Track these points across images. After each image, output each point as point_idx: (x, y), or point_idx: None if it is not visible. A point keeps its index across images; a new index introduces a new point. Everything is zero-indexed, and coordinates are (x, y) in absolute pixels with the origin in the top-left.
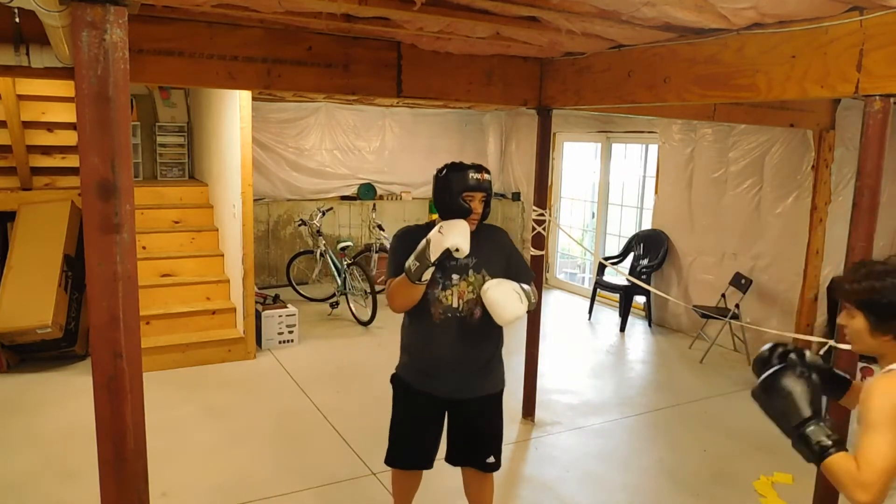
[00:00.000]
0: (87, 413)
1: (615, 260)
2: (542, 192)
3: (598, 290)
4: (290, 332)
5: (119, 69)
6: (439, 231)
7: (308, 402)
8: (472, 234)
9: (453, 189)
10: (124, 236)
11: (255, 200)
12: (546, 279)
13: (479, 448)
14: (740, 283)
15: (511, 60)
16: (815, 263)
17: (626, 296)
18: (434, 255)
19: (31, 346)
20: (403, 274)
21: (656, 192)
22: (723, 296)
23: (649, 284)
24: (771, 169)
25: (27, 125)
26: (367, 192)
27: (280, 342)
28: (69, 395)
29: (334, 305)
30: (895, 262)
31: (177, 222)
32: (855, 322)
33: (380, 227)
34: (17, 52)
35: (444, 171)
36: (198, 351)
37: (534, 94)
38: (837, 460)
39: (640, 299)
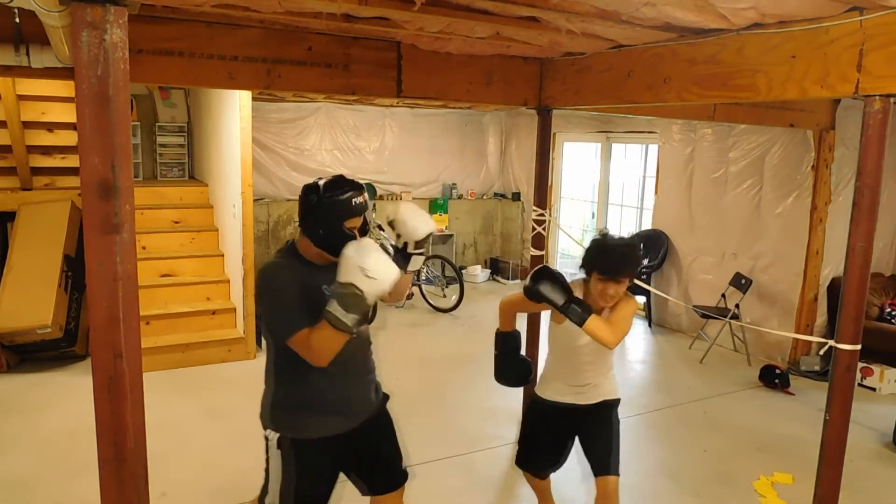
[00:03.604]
0: (88, 413)
1: None
2: (542, 192)
3: None
4: None
5: (119, 69)
6: (366, 275)
7: None
8: None
9: (337, 216)
10: (124, 236)
11: (255, 200)
12: None
13: (398, 459)
14: (740, 283)
15: (511, 60)
16: (815, 263)
17: None
18: (372, 300)
19: (31, 346)
20: (325, 324)
21: (656, 192)
22: (723, 296)
23: (649, 284)
24: (771, 169)
25: (27, 125)
26: (366, 192)
27: None
28: (69, 395)
29: None
30: (631, 240)
31: (177, 222)
32: (625, 284)
33: (380, 228)
34: (17, 52)
35: (321, 196)
36: (198, 351)
37: (534, 94)
38: (595, 319)
39: (639, 299)
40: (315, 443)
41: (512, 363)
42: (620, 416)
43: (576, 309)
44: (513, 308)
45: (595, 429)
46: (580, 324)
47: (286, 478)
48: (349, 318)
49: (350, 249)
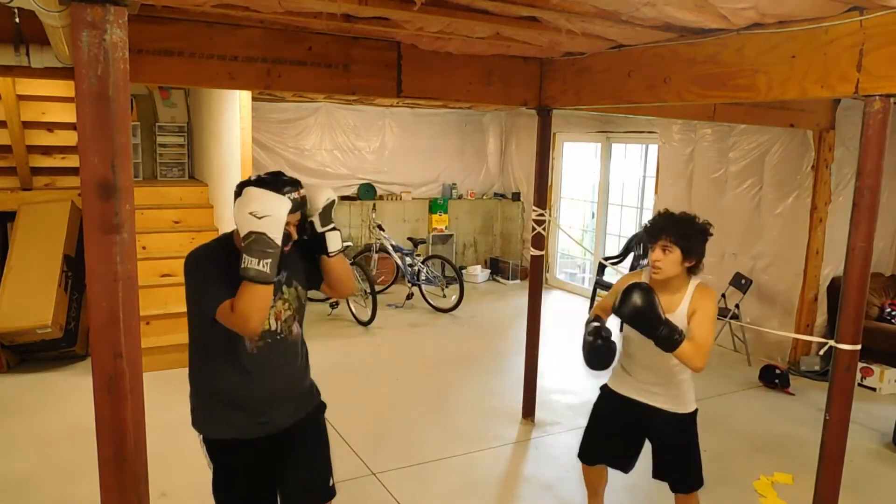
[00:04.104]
0: (87, 413)
1: (615, 260)
2: (542, 192)
3: (598, 290)
4: None
5: (119, 69)
6: (257, 217)
7: None
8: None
9: None
10: (124, 236)
11: None
12: (546, 279)
13: (321, 474)
14: (740, 283)
15: (511, 60)
16: (815, 263)
17: None
18: (277, 239)
19: (31, 346)
20: (245, 283)
21: (656, 192)
22: (723, 296)
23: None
24: (771, 169)
25: (27, 125)
26: (367, 192)
27: None
28: (69, 395)
29: (334, 305)
30: (691, 215)
31: (177, 222)
32: (673, 255)
33: (380, 228)
34: (17, 52)
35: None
36: None
37: (534, 94)
38: (685, 345)
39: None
40: (224, 444)
41: (602, 338)
42: None
43: (667, 336)
44: (605, 312)
45: (669, 444)
46: (670, 351)
47: (213, 473)
48: (263, 265)
49: (235, 208)
